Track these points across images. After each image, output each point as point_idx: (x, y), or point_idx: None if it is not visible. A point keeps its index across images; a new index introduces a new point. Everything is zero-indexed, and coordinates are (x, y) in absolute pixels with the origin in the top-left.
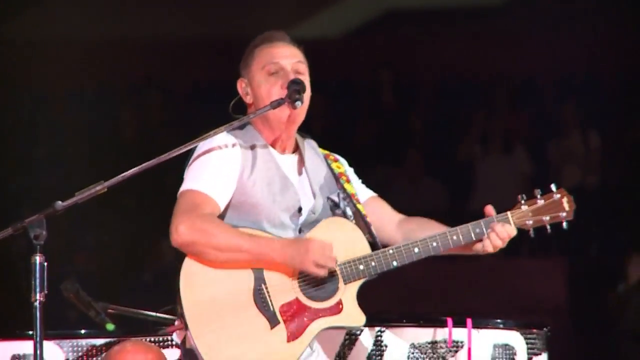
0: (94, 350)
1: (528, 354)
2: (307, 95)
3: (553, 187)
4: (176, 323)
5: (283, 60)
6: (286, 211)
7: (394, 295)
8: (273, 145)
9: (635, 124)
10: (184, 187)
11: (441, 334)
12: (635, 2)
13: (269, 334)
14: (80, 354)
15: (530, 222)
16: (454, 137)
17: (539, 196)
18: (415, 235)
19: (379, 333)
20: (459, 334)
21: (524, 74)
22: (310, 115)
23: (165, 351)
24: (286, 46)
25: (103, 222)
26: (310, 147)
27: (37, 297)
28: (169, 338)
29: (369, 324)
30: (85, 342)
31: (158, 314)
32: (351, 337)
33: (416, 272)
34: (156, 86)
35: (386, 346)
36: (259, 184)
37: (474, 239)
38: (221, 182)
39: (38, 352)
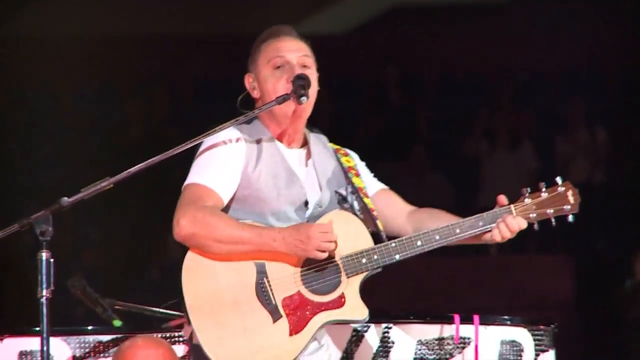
0: (101, 347)
1: (535, 350)
2: (313, 89)
3: (559, 179)
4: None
5: (289, 54)
6: (291, 204)
7: (401, 292)
8: (280, 139)
9: None
10: (187, 181)
11: (448, 330)
12: None
13: (271, 328)
14: (87, 350)
15: (534, 215)
16: (460, 133)
17: (543, 189)
18: (425, 226)
19: (385, 329)
20: (466, 330)
21: (530, 69)
22: (315, 110)
23: (173, 347)
24: (292, 40)
25: (110, 219)
26: (319, 142)
27: (44, 294)
28: (176, 334)
29: (376, 320)
30: (92, 339)
31: (165, 311)
32: (358, 334)
33: (423, 268)
34: (162, 83)
35: (393, 343)
36: (264, 177)
37: (478, 232)
38: (225, 176)
39: (45, 348)
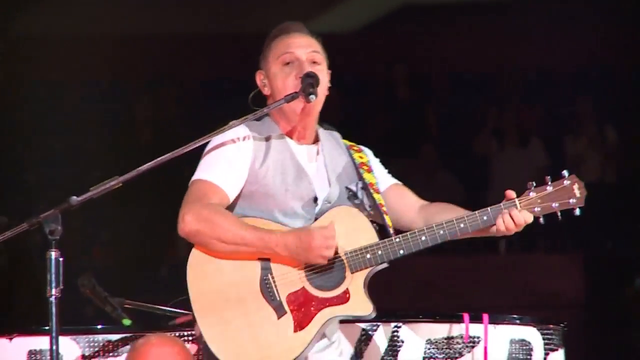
0: (110, 346)
1: (545, 349)
2: (323, 86)
3: (565, 173)
4: None
5: (298, 50)
6: (299, 200)
7: (409, 291)
8: (290, 135)
9: None
10: (194, 177)
11: (457, 329)
12: None
13: (276, 324)
14: (96, 349)
15: (538, 209)
16: (469, 130)
17: (549, 183)
18: (435, 219)
19: (395, 329)
20: (475, 329)
21: (540, 67)
22: (325, 108)
23: None
24: (302, 36)
25: (119, 218)
26: (331, 138)
27: (53, 293)
28: (186, 333)
29: (385, 319)
30: (101, 338)
31: (174, 310)
32: (367, 333)
33: (432, 267)
34: (171, 82)
35: (402, 342)
36: (271, 172)
37: (482, 227)
38: (231, 173)
39: (54, 347)
